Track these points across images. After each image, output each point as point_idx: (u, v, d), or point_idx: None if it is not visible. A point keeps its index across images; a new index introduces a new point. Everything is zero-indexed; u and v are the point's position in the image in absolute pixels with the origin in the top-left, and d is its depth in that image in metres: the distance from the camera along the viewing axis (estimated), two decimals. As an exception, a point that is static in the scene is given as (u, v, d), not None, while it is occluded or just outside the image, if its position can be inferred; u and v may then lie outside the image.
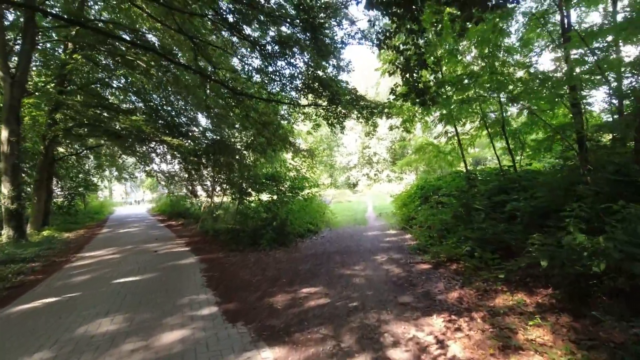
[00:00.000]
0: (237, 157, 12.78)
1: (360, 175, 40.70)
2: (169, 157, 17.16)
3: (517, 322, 3.53)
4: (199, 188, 18.54)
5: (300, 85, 10.46)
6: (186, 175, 18.25)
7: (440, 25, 5.59)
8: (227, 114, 11.23)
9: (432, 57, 7.61)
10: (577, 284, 3.61)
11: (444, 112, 8.98)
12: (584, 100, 6.33)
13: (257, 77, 10.83)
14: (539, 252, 3.92)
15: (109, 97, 15.85)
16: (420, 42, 6.12)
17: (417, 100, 6.34)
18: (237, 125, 11.97)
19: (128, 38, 10.91)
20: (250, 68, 10.53)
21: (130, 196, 54.29)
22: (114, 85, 15.35)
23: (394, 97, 6.85)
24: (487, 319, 3.69)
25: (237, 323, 4.00)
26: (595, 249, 3.25)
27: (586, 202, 3.81)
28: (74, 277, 6.46)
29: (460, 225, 7.18)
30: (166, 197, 25.78)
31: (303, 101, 11.12)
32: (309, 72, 9.77)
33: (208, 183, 16.47)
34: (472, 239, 5.93)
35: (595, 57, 6.25)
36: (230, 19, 8.53)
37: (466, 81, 7.26)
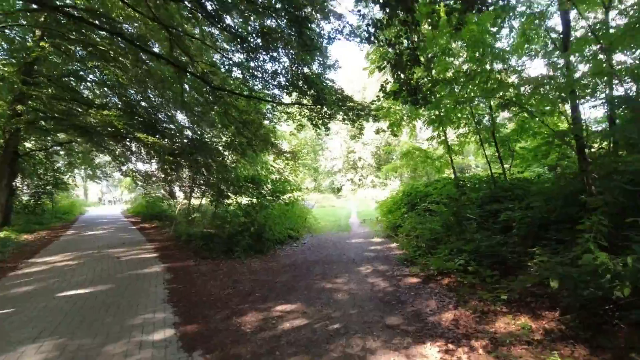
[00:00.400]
0: (215, 158, 12.05)
1: (345, 180, 40.31)
2: (144, 155, 16.18)
3: (526, 355, 3.01)
4: (177, 189, 17.63)
5: (283, 83, 9.86)
6: (162, 176, 17.34)
7: (436, 17, 5.13)
8: (206, 111, 10.50)
9: (425, 54, 7.16)
10: (593, 309, 3.13)
11: (435, 114, 8.57)
12: (584, 105, 5.98)
13: (237, 73, 10.17)
14: (547, 271, 3.43)
15: (85, 91, 14.84)
16: (414, 37, 5.65)
17: (409, 98, 5.84)
18: (216, 124, 11.23)
19: (99, 24, 10.06)
20: (231, 62, 9.86)
21: (106, 196, 52.09)
22: (89, 79, 14.38)
23: (384, 95, 6.33)
24: (490, 350, 3.15)
25: (195, 352, 3.32)
26: (618, 271, 2.77)
27: (599, 215, 3.34)
28: (15, 288, 5.60)
29: (451, 235, 6.70)
30: (142, 197, 24.55)
31: (286, 99, 10.52)
32: (294, 68, 9.19)
33: (186, 184, 15.62)
34: (466, 252, 5.44)
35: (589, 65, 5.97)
36: (209, 6, 7.88)
37: (462, 79, 6.85)
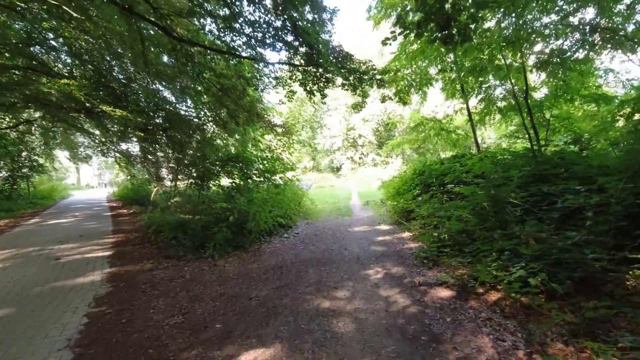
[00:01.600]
0: (192, 133, 10.22)
1: (344, 159, 38.47)
2: (118, 133, 14.25)
3: None
4: (164, 171, 15.89)
5: (268, 38, 7.90)
6: (142, 155, 15.54)
7: None
8: (175, 74, 8.58)
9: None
10: None
11: (468, 65, 6.72)
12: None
13: (212, 26, 8.19)
14: None
15: (49, 60, 12.77)
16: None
17: (439, 34, 4.00)
18: (189, 91, 9.31)
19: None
20: (203, 11, 7.85)
21: (95, 179, 50.25)
22: (50, 45, 12.29)
23: (402, 29, 4.45)
24: None
25: None
26: None
27: None
28: None
29: (487, 227, 5.01)
30: (127, 180, 22.82)
31: (273, 57, 8.60)
32: (279, 12, 7.20)
33: (171, 165, 13.84)
34: (525, 256, 3.74)
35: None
36: None
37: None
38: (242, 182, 8.28)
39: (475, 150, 8.70)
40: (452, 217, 5.92)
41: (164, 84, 9.69)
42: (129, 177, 21.88)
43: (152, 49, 8.17)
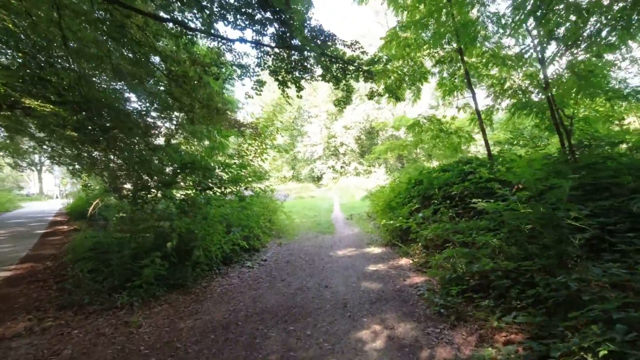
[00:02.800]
0: (146, 134, 8.21)
1: (325, 168, 36.84)
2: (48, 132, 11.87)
3: None
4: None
5: (230, 8, 6.13)
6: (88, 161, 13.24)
7: None
8: (105, 54, 6.60)
9: None
10: None
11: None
12: None
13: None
14: None
15: None
16: None
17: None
18: (129, 78, 7.33)
19: None
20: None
21: (61, 188, 46.16)
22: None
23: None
24: None
25: None
26: None
27: None
28: None
29: (542, 263, 3.33)
30: (79, 190, 20.18)
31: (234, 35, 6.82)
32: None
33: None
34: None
35: None
36: None
37: None
38: (194, 195, 6.37)
39: (486, 155, 7.17)
40: (476, 244, 4.25)
41: (93, 67, 7.63)
42: (82, 187, 19.33)
43: (73, 20, 6.20)
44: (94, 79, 7.46)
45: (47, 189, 48.86)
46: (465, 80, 7.86)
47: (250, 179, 8.71)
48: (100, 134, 7.36)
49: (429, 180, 7.31)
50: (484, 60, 8.28)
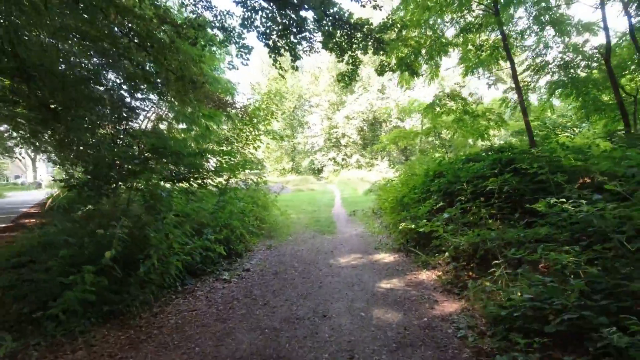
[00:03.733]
0: (115, 113, 6.80)
1: (326, 160, 35.40)
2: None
3: None
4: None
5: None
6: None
7: None
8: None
9: None
10: None
11: None
12: None
13: None
14: None
15: None
16: None
17: None
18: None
19: None
20: None
21: (42, 178, 44.66)
22: None
23: None
24: None
25: None
26: None
27: None
28: None
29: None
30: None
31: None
32: None
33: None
34: None
35: None
36: None
37: None
38: (151, 186, 4.98)
39: (525, 141, 5.79)
40: (543, 263, 2.89)
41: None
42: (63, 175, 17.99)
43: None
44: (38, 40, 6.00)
45: (40, 178, 47.43)
46: (502, 49, 6.42)
47: (239, 169, 7.31)
48: (47, 110, 5.96)
49: (453, 172, 5.91)
50: (519, 29, 6.85)
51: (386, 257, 5.65)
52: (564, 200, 3.27)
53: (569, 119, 12.11)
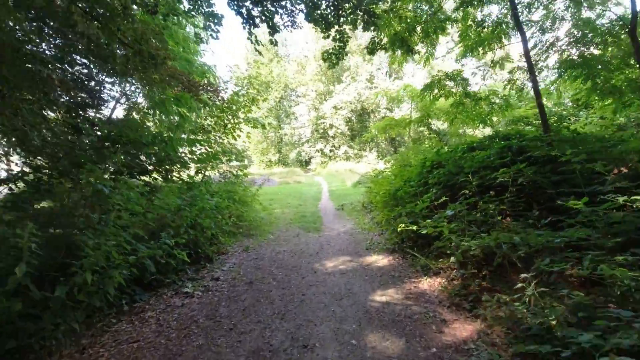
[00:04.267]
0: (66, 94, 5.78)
1: (314, 152, 34.55)
2: None
3: None
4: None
5: None
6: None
7: None
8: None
9: None
10: None
11: None
12: None
13: None
14: None
15: None
16: None
17: None
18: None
19: None
20: None
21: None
22: None
23: None
24: None
25: None
26: None
27: None
28: None
29: None
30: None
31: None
32: None
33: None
34: None
35: None
36: None
37: None
38: (94, 181, 4.08)
39: (537, 126, 5.12)
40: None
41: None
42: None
43: None
44: None
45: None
46: (505, 26, 5.69)
47: (212, 160, 6.45)
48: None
49: (454, 162, 5.19)
50: (526, 1, 6.15)
51: (379, 260, 4.92)
52: (601, 194, 2.58)
53: (564, 107, 11.57)
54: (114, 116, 6.78)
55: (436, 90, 6.11)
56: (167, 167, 5.24)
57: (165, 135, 5.71)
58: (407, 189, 5.76)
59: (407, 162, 7.64)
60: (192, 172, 5.89)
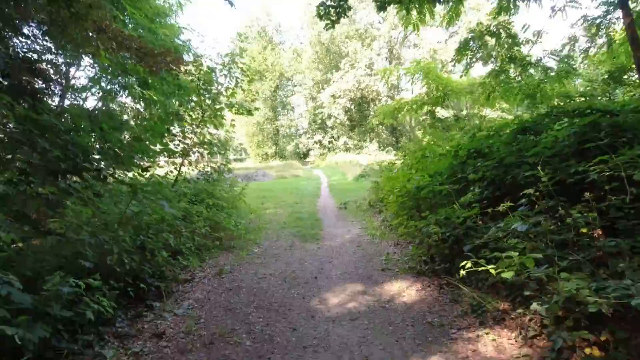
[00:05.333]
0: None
1: (312, 143, 32.93)
2: None
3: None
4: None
5: None
6: None
7: None
8: None
9: None
10: None
11: None
12: None
13: None
14: None
15: None
16: None
17: None
18: None
19: None
20: None
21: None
22: None
23: None
24: None
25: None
26: None
27: None
28: None
29: None
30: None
31: None
32: None
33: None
34: None
35: None
36: None
37: None
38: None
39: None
40: None
41: None
42: None
43: None
44: None
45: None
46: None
47: (169, 153, 4.92)
48: None
49: (509, 149, 3.66)
50: None
51: (404, 290, 3.43)
52: None
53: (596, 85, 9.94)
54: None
55: (470, 55, 4.51)
56: (96, 165, 3.68)
57: (105, 124, 4.12)
58: (436, 187, 4.23)
59: (425, 152, 6.11)
60: (139, 172, 4.34)
